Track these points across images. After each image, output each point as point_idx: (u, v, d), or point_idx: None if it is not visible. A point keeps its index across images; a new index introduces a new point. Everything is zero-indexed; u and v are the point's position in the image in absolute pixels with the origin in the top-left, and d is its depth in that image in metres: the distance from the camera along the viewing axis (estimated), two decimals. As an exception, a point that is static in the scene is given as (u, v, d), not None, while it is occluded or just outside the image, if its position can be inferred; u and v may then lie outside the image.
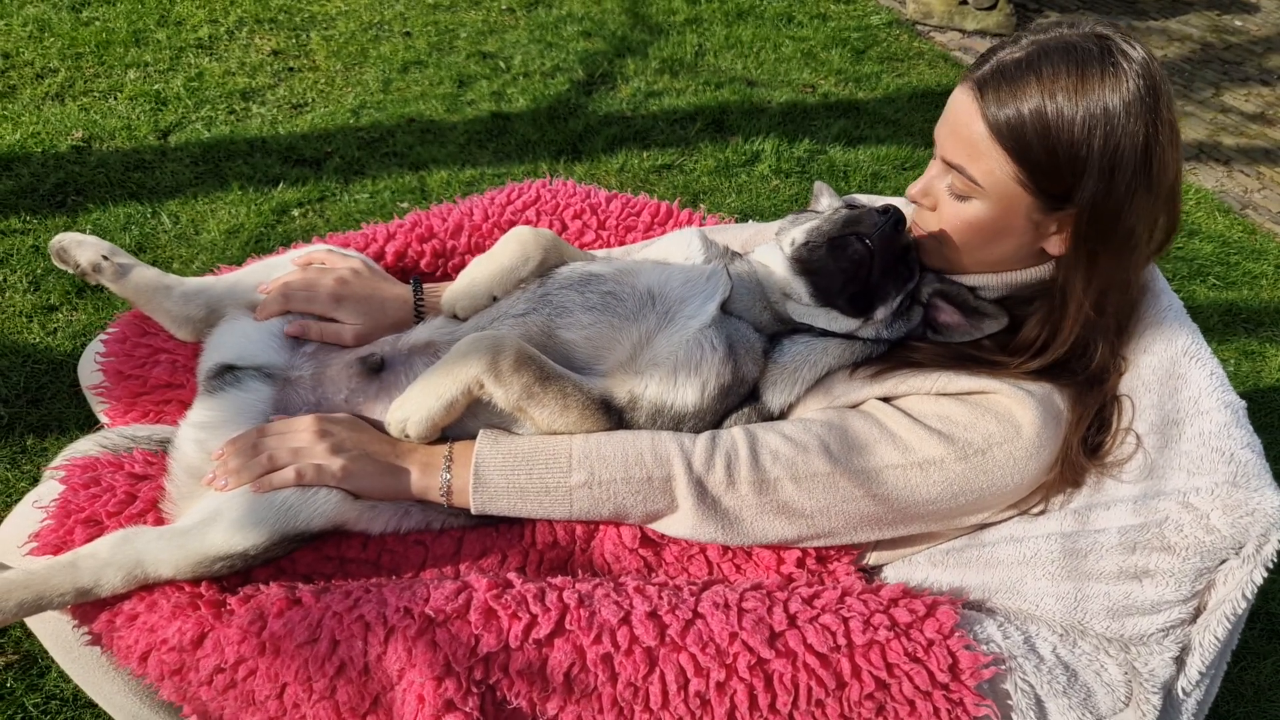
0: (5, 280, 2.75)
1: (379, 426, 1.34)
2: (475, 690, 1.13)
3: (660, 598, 1.22)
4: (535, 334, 1.32)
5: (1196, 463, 1.18)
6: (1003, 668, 1.23)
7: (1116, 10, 5.44)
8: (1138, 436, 1.29)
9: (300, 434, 1.25)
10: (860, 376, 1.35)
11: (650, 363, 1.29)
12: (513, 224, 1.75)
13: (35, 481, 2.21)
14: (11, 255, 2.83)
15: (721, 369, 1.29)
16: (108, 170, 3.24)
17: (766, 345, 1.37)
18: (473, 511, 1.29)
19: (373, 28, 4.39)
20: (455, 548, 1.35)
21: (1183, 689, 1.21)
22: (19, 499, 2.15)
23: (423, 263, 1.69)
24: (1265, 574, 1.12)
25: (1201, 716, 1.27)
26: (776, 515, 1.29)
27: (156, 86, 3.73)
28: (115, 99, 3.63)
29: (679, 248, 1.44)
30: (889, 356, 1.38)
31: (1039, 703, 1.24)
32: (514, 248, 1.40)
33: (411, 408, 1.27)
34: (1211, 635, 1.17)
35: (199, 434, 1.28)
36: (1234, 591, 1.13)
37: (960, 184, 1.28)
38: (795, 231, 1.44)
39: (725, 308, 1.34)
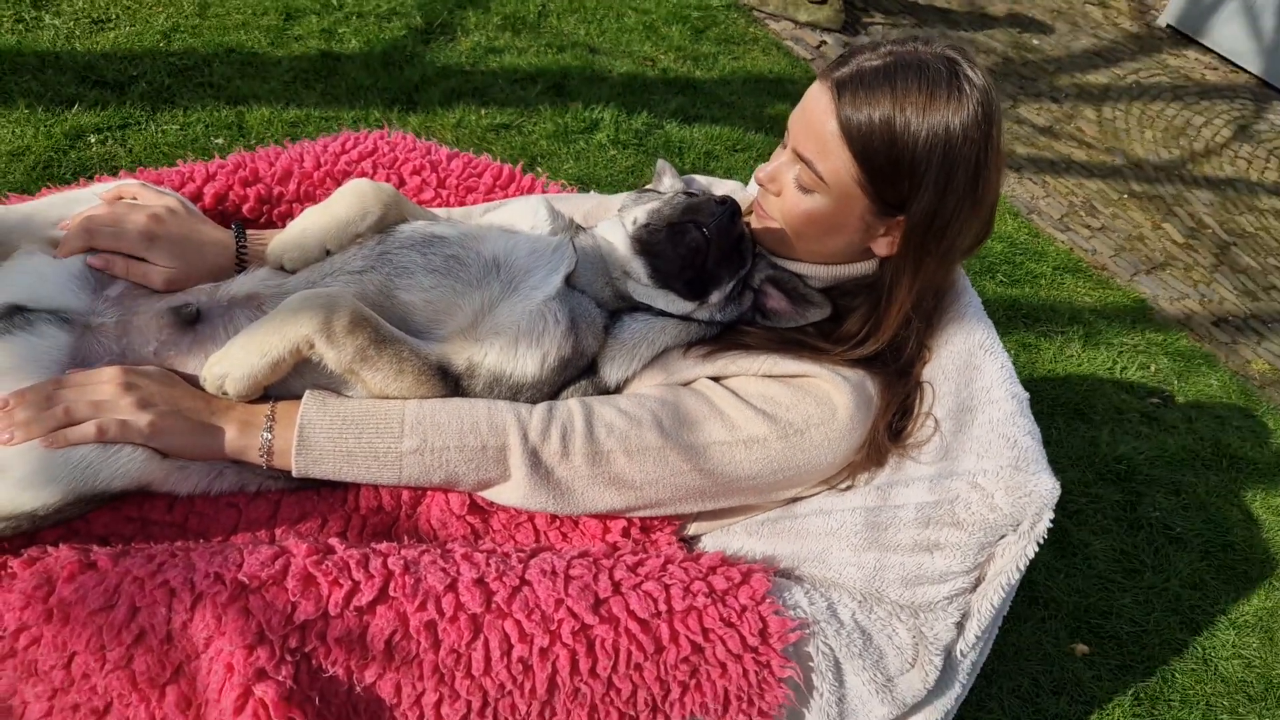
0: None
1: (192, 382, 1.25)
2: (290, 659, 1.09)
3: (488, 565, 1.22)
4: (372, 293, 1.27)
5: (985, 447, 1.31)
6: (807, 631, 1.32)
7: (932, 19, 5.82)
8: (936, 421, 1.41)
9: (103, 386, 1.15)
10: (693, 356, 1.40)
11: (491, 331, 1.28)
12: (347, 175, 1.67)
13: None
14: None
15: (563, 342, 1.30)
16: None
17: (607, 321, 1.39)
18: (294, 474, 1.24)
19: (191, -58, 4.01)
20: (271, 512, 1.29)
21: (960, 650, 1.35)
22: None
23: (245, 208, 1.59)
24: (1036, 548, 1.26)
25: (974, 675, 1.42)
26: (608, 486, 1.31)
27: (-78, -21, 3.24)
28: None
29: (525, 215, 1.42)
30: (721, 338, 1.44)
31: (837, 664, 1.35)
32: (352, 200, 1.34)
33: (232, 363, 1.20)
34: (989, 603, 1.31)
35: (-20, 381, 1.15)
36: (1010, 564, 1.27)
37: (806, 177, 1.34)
38: (637, 211, 1.46)
39: (569, 281, 1.35)
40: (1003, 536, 1.27)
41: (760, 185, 1.44)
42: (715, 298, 1.43)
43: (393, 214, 1.37)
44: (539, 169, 3.49)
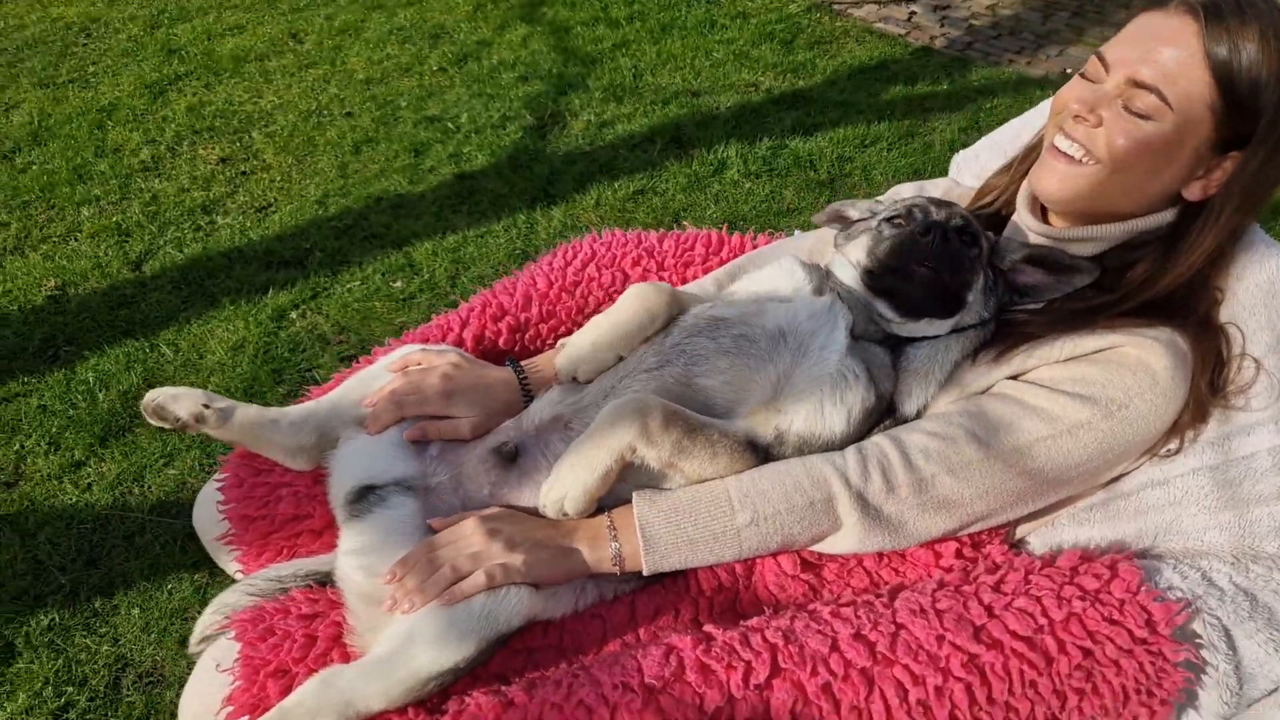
0: (23, 447, 2.66)
1: (531, 513, 1.33)
2: (713, 748, 1.13)
3: (859, 617, 1.23)
4: (671, 385, 1.33)
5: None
6: (1191, 610, 1.26)
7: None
8: (1255, 361, 1.34)
9: (471, 539, 1.24)
10: (984, 363, 1.39)
11: (793, 398, 1.31)
12: (577, 284, 1.76)
13: (116, 645, 2.15)
14: (21, 419, 2.74)
15: (866, 394, 1.32)
16: (92, 313, 3.16)
17: (891, 357, 1.40)
18: (645, 573, 1.30)
19: (313, 115, 4.35)
20: (629, 614, 1.35)
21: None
22: (106, 668, 2.10)
23: (500, 341, 1.69)
24: None
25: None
26: (937, 511, 1.31)
27: (115, 219, 3.64)
28: (76, 239, 3.54)
29: (784, 278, 1.46)
30: (1004, 336, 1.42)
31: (1227, 634, 1.28)
32: (638, 306, 1.41)
33: (567, 485, 1.27)
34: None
35: (361, 560, 1.26)
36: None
37: (1145, 102, 1.27)
38: (851, 250, 1.48)
39: (851, 333, 1.37)
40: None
41: (1077, 117, 1.35)
42: (972, 298, 1.42)
43: (675, 309, 1.43)
44: (684, 222, 3.56)
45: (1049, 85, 4.44)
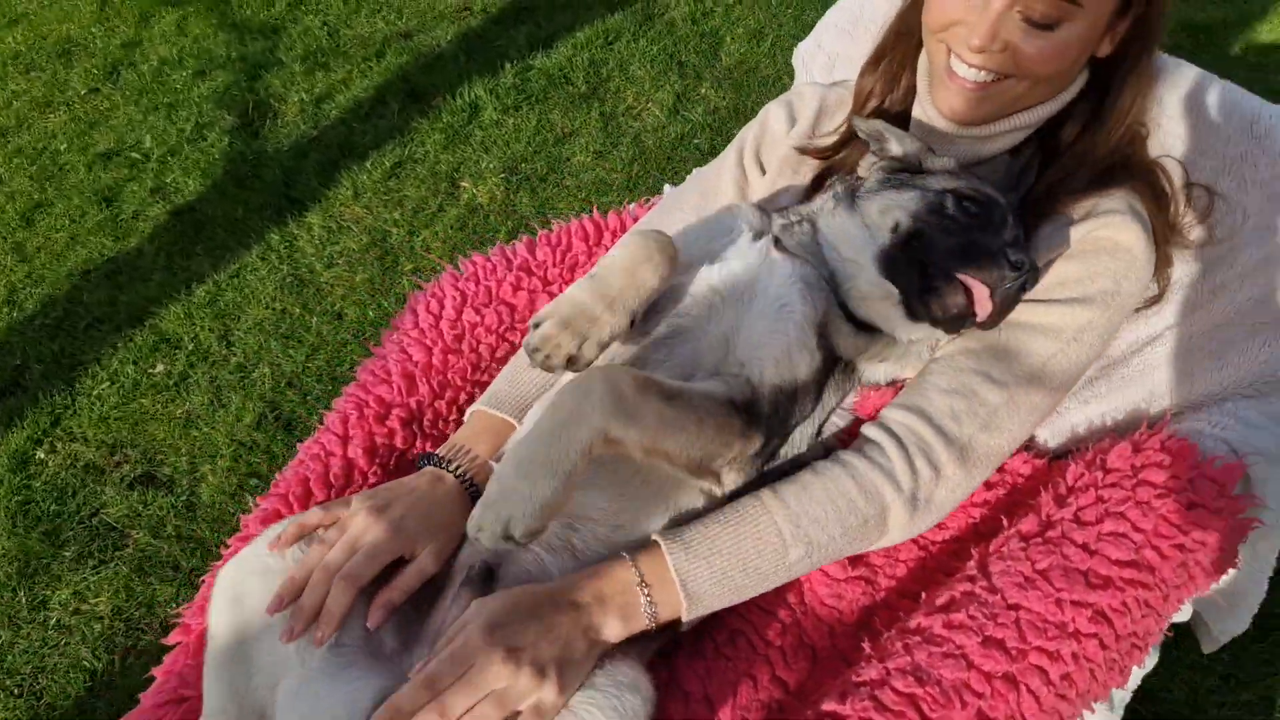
0: None
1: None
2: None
3: (973, 617, 1.09)
4: None
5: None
6: (1241, 458, 1.23)
7: None
8: (1205, 188, 1.29)
9: (487, 669, 0.95)
10: None
11: (751, 352, 1.15)
12: (459, 338, 1.45)
13: None
14: None
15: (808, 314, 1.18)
16: None
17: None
18: (684, 626, 1.11)
19: None
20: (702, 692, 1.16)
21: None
22: None
23: (397, 442, 1.35)
24: None
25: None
26: (975, 468, 1.20)
27: None
28: None
29: (740, 260, 1.21)
30: None
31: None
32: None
33: (513, 504, 0.95)
34: None
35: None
36: None
37: (1047, 9, 1.11)
38: (882, 214, 1.21)
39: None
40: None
41: (982, 52, 1.16)
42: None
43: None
44: (462, 185, 3.17)
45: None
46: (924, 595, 1.15)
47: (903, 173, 1.25)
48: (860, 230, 1.21)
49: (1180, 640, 1.91)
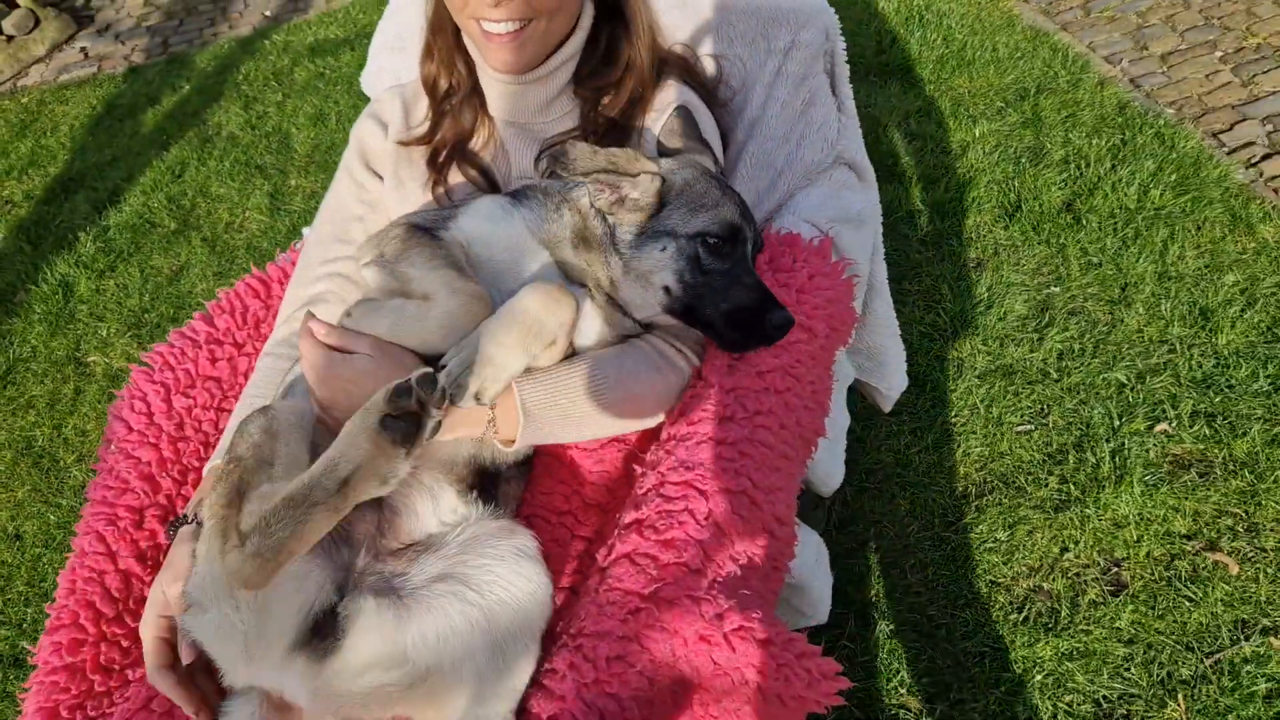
0: None
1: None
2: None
3: (704, 410, 1.32)
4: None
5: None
6: (826, 233, 1.57)
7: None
8: (714, 58, 1.67)
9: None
10: None
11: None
12: (180, 425, 1.43)
13: None
14: None
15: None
16: None
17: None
18: (517, 442, 1.27)
19: None
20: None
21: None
22: None
23: (161, 539, 1.33)
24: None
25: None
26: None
27: None
28: None
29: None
30: None
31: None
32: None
33: (495, 369, 1.19)
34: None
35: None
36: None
37: None
38: (638, 260, 1.32)
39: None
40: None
41: (497, 4, 1.34)
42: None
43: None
44: (103, 361, 2.96)
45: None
46: (666, 414, 1.38)
47: (652, 216, 1.33)
48: (640, 293, 1.33)
49: (875, 419, 2.36)
